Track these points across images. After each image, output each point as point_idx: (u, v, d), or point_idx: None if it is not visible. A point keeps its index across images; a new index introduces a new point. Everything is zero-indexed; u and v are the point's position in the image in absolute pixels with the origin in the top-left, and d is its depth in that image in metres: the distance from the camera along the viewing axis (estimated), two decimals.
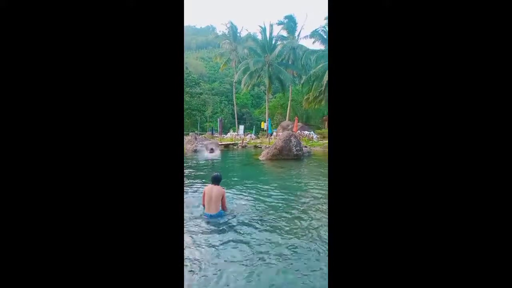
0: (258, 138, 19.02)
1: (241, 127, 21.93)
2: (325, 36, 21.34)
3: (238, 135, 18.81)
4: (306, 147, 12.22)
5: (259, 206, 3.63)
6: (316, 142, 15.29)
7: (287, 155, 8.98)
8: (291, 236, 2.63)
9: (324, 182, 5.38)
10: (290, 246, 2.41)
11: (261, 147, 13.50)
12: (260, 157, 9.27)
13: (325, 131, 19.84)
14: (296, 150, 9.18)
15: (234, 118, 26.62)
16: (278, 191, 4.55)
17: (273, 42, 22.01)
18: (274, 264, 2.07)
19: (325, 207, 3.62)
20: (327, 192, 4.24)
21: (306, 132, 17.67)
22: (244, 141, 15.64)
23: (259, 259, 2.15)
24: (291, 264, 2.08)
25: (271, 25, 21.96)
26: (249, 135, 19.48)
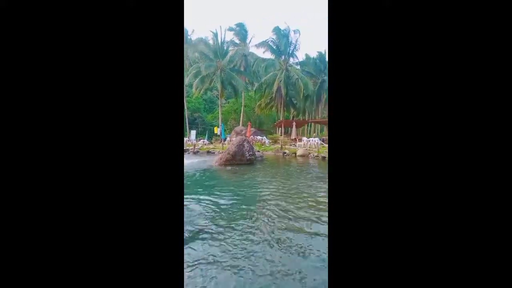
0: (211, 143, 18.60)
1: (193, 132, 21.11)
2: (274, 47, 22.56)
3: (190, 140, 18.05)
4: (258, 151, 12.52)
5: (210, 212, 3.52)
6: (268, 147, 15.76)
7: (240, 160, 9.04)
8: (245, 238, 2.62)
9: (276, 184, 5.55)
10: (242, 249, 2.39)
11: (214, 153, 13.22)
12: (213, 163, 9.08)
13: (277, 136, 20.71)
14: (249, 155, 9.35)
15: (186, 123, 25.53)
16: (230, 195, 4.49)
17: (225, 47, 22.10)
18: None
19: (278, 208, 3.73)
20: (278, 195, 4.50)
21: (258, 137, 18.07)
22: (196, 147, 15.06)
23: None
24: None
25: (225, 30, 22.05)
26: (202, 140, 18.89)
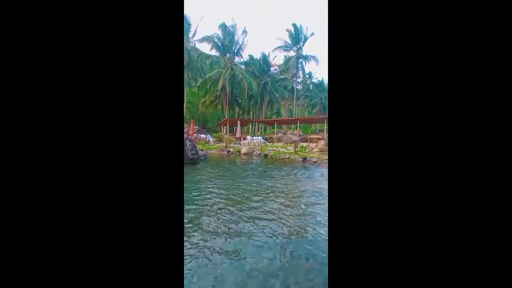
0: None
1: None
2: (219, 43, 22.22)
3: None
4: (202, 150, 12.24)
5: None
6: (213, 146, 15.47)
7: None
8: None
9: (218, 182, 5.50)
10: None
11: None
12: None
13: (222, 134, 20.49)
14: (192, 154, 9.11)
15: None
16: None
17: None
18: None
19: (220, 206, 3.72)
20: (224, 193, 4.48)
21: (202, 136, 17.52)
22: None
23: None
24: None
25: None
26: None
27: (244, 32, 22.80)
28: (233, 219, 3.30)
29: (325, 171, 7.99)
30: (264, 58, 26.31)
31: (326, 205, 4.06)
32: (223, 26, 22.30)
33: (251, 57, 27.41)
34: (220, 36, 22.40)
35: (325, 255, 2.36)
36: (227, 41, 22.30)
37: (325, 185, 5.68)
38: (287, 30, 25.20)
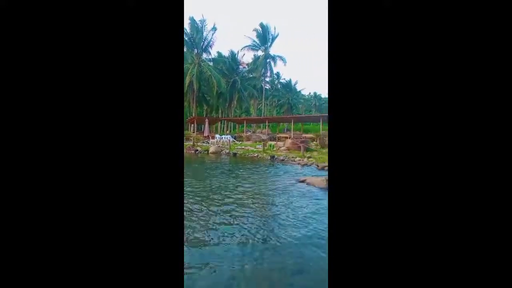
0: None
1: None
2: (187, 38, 21.44)
3: None
4: None
5: None
6: None
7: None
8: None
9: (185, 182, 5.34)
10: None
11: None
12: None
13: (189, 132, 19.81)
14: None
15: None
16: None
17: None
18: None
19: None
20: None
21: None
22: None
23: None
24: None
25: None
26: None
27: (214, 28, 22.35)
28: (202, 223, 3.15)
29: (290, 168, 8.30)
30: (233, 56, 26.12)
31: (289, 202, 4.20)
32: (192, 20, 21.55)
33: (219, 54, 27.01)
34: (188, 30, 21.63)
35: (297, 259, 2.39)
36: (195, 36, 21.61)
37: (289, 182, 5.89)
38: (255, 29, 25.38)
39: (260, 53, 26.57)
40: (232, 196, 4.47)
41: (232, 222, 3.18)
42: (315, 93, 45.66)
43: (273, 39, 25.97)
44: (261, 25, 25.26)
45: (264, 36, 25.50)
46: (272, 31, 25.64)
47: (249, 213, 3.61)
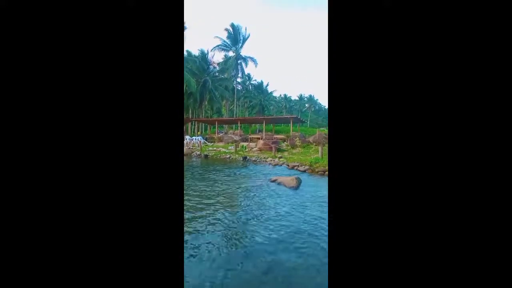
0: None
1: None
2: None
3: None
4: None
5: None
6: None
7: None
8: None
9: None
10: None
11: None
12: None
13: None
14: None
15: None
16: None
17: None
18: None
19: None
20: None
21: None
22: None
23: None
24: None
25: None
26: None
27: (185, 27, 21.62)
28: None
29: (262, 168, 8.39)
30: (203, 55, 25.57)
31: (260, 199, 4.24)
32: None
33: (189, 53, 26.22)
34: None
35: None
36: None
37: (260, 182, 5.96)
38: (226, 29, 25.20)
39: (231, 53, 26.45)
40: (205, 202, 4.34)
41: (205, 228, 3.08)
42: (285, 95, 46.91)
43: (244, 40, 26.05)
44: (232, 25, 25.18)
45: (235, 37, 25.44)
46: (243, 32, 25.72)
47: (222, 219, 3.52)
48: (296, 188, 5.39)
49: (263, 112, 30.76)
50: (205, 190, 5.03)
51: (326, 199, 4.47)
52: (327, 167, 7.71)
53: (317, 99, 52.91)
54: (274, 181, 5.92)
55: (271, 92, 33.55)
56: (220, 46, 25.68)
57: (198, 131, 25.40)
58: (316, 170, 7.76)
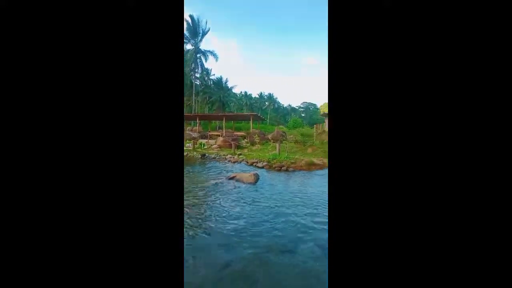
0: None
1: None
2: None
3: None
4: None
5: None
6: None
7: None
8: None
9: None
10: None
11: None
12: None
13: None
14: None
15: None
16: None
17: None
18: None
19: None
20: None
21: None
22: None
23: None
24: None
25: None
26: None
27: None
28: None
29: (221, 165, 8.32)
30: None
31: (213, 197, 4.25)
32: None
33: None
34: None
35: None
36: None
37: (219, 179, 5.93)
38: (186, 20, 24.00)
39: (190, 47, 25.33)
40: None
41: None
42: (245, 92, 47.01)
43: (204, 33, 25.22)
44: (191, 17, 24.11)
45: (195, 30, 24.43)
46: (203, 25, 24.84)
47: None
48: (254, 183, 5.53)
49: (223, 108, 30.31)
50: None
51: (280, 193, 4.67)
52: (283, 163, 8.06)
53: (276, 98, 54.38)
54: (232, 178, 5.95)
55: (231, 88, 33.22)
56: None
57: None
58: (274, 166, 8.02)
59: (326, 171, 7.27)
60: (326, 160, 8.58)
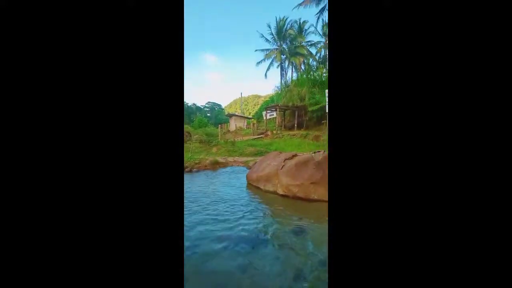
0: None
1: None
2: None
3: None
4: None
5: None
6: None
7: None
8: None
9: None
10: None
11: None
12: None
13: None
14: None
15: None
16: None
17: None
18: None
19: None
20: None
21: None
22: None
23: None
24: None
25: None
26: None
27: None
28: None
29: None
30: None
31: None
32: None
33: None
34: None
35: None
36: None
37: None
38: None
39: None
40: None
41: None
42: None
43: None
44: None
45: None
46: None
47: None
48: None
49: None
50: None
51: None
52: (186, 164, 7.60)
53: None
54: None
55: None
56: None
57: None
58: None
59: (228, 168, 7.25)
60: (229, 158, 8.58)
